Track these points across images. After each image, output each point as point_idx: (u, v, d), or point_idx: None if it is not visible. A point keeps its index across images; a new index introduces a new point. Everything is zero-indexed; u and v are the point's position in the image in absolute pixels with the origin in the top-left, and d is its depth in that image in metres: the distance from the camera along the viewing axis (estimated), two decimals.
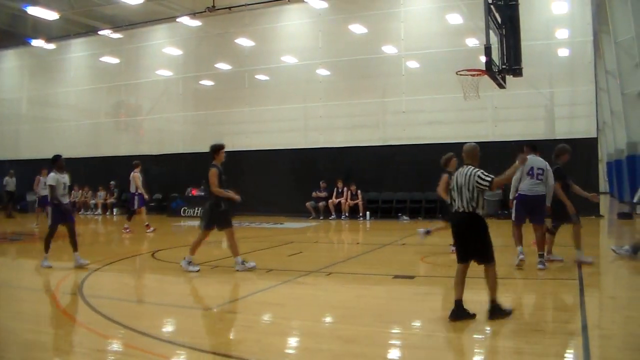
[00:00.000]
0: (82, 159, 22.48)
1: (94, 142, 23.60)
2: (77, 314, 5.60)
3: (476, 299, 6.26)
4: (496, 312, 5.03)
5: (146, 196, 14.43)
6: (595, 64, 17.09)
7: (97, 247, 12.49)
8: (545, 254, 7.73)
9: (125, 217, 14.86)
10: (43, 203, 15.53)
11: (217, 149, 8.44)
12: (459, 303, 5.07)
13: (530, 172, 7.63)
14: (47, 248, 8.43)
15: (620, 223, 14.89)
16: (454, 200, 5.24)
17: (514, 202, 7.98)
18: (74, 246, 8.48)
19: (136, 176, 14.13)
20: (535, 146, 8.06)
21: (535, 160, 7.72)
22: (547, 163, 7.77)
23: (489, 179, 5.04)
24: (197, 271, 7.94)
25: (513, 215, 8.07)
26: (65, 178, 8.59)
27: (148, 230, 14.06)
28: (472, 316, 5.05)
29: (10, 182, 20.24)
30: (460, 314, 5.02)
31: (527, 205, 7.75)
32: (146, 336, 4.75)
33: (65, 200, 8.59)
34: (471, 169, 5.16)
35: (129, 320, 5.22)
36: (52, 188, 8.39)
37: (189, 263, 8.05)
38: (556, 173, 7.69)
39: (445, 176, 8.66)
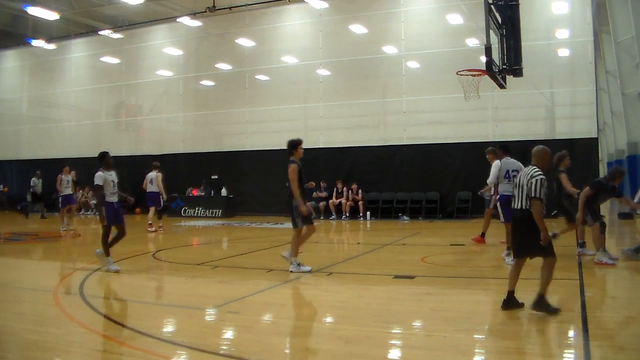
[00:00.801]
0: (83, 159, 22.46)
1: (94, 142, 23.54)
2: (78, 314, 5.59)
3: (482, 298, 6.28)
4: (542, 305, 5.20)
5: (165, 196, 14.67)
6: (595, 64, 17.09)
7: (98, 247, 12.49)
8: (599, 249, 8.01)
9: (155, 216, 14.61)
10: (67, 202, 15.39)
11: (295, 144, 8.17)
12: (510, 293, 5.39)
13: (507, 175, 8.26)
14: (107, 251, 8.11)
15: (620, 223, 14.88)
16: (514, 198, 5.44)
17: (498, 203, 8.47)
18: (108, 247, 8.17)
19: (159, 176, 14.28)
20: (508, 148, 8.62)
21: (509, 162, 8.36)
22: (520, 164, 8.15)
23: (537, 195, 5.14)
24: (309, 271, 7.70)
25: (501, 216, 8.43)
26: (112, 175, 8.27)
27: (150, 229, 14.09)
28: (521, 305, 5.36)
29: (37, 183, 19.85)
30: (510, 303, 5.37)
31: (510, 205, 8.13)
32: (146, 336, 4.75)
33: (115, 199, 8.24)
34: (533, 171, 5.28)
35: (129, 320, 5.22)
36: (99, 188, 8.03)
37: (299, 265, 7.76)
38: (596, 184, 8.13)
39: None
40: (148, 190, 14.25)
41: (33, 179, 19.98)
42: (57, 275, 8.36)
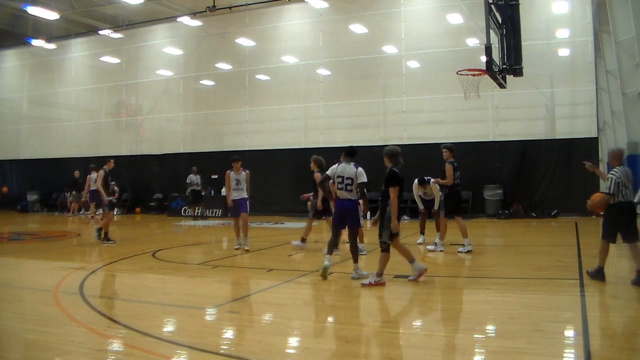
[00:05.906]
0: (83, 159, 22.51)
1: (94, 142, 23.61)
2: (77, 314, 5.59)
3: (482, 298, 6.27)
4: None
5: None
6: (595, 63, 17.09)
7: (98, 246, 12.49)
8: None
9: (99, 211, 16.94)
10: (239, 208, 10.63)
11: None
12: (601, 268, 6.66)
13: None
14: (357, 257, 7.51)
15: None
16: (622, 193, 6.44)
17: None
18: (354, 256, 7.50)
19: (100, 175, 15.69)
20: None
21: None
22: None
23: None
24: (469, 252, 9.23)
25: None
26: None
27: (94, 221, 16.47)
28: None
29: (194, 180, 18.63)
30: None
31: None
32: (146, 336, 4.75)
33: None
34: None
35: (129, 320, 5.22)
36: (365, 185, 7.68)
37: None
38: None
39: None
40: (92, 188, 16.48)
41: (190, 175, 18.59)
42: (57, 275, 8.35)
